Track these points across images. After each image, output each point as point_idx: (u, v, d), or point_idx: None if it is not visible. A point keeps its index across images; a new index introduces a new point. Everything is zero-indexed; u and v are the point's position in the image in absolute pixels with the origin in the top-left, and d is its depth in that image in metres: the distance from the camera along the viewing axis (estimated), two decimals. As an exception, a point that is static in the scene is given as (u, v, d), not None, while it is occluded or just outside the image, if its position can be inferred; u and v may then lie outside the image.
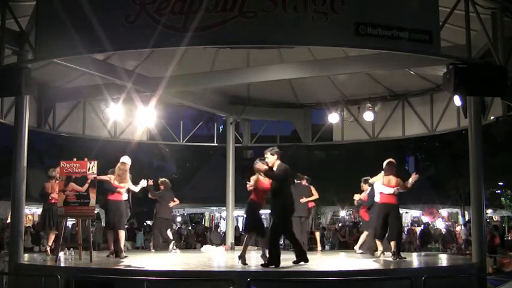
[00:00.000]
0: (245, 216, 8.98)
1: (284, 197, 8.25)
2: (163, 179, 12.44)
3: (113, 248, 9.80)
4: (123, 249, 9.79)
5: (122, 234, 9.72)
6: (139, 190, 10.19)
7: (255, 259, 8.93)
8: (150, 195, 11.88)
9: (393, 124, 13.99)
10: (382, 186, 9.73)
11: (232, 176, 14.41)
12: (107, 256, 9.78)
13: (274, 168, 8.21)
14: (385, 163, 9.92)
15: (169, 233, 12.25)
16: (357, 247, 11.54)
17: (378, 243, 10.04)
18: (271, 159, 8.26)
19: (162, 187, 12.16)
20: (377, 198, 9.89)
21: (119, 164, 9.79)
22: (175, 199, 12.22)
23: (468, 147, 9.28)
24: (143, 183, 10.06)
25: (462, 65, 7.29)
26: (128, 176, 9.76)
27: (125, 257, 9.53)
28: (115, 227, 9.62)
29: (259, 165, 8.29)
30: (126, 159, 9.88)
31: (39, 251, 14.32)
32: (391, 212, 9.66)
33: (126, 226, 13.72)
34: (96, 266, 8.39)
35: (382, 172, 9.92)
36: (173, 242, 12.10)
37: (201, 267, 8.16)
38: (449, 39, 8.74)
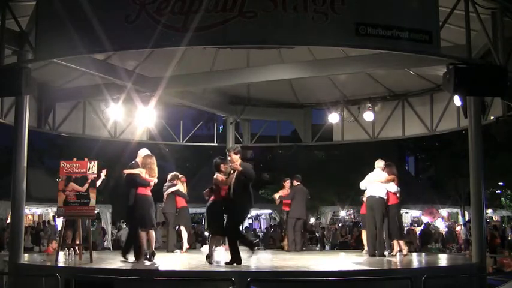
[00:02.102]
0: (208, 217, 8.54)
1: (250, 196, 8.26)
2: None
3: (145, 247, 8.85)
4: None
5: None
6: None
7: (255, 259, 8.92)
8: None
9: (393, 124, 13.98)
10: (395, 186, 9.97)
11: (232, 176, 14.39)
12: (146, 259, 8.69)
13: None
14: (383, 164, 10.14)
15: (185, 232, 11.66)
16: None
17: (396, 243, 10.26)
18: (236, 158, 8.24)
19: None
20: (384, 195, 9.95)
21: (147, 158, 8.94)
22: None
23: (468, 147, 9.29)
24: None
25: (462, 65, 7.29)
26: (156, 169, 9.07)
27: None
28: (151, 224, 8.84)
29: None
30: (150, 152, 9.20)
31: (39, 251, 14.32)
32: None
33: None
34: (96, 266, 8.38)
35: (380, 170, 10.07)
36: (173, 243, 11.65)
37: (201, 267, 8.15)
38: (449, 39, 8.74)
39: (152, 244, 8.86)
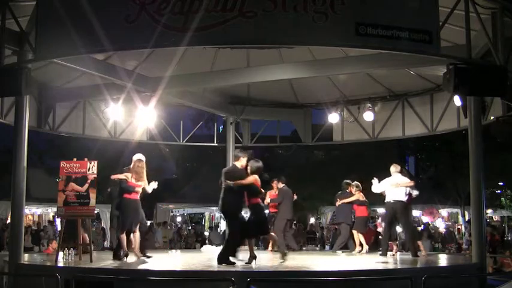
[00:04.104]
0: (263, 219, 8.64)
1: None
2: None
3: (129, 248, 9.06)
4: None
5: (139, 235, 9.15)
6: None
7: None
8: None
9: (393, 124, 13.98)
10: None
11: (232, 176, 14.36)
12: (122, 258, 8.93)
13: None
14: (400, 168, 10.33)
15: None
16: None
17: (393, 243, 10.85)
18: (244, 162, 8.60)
19: None
20: (405, 198, 10.06)
21: (135, 162, 9.11)
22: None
23: (468, 147, 9.29)
24: (154, 185, 9.35)
25: (462, 65, 7.29)
26: (145, 174, 9.19)
27: (149, 257, 9.04)
28: (130, 228, 8.92)
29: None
30: (142, 157, 9.26)
31: (39, 251, 14.32)
32: None
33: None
34: (96, 266, 8.39)
35: (400, 175, 10.25)
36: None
37: (201, 267, 8.16)
38: (449, 39, 8.74)
39: (135, 245, 8.98)
